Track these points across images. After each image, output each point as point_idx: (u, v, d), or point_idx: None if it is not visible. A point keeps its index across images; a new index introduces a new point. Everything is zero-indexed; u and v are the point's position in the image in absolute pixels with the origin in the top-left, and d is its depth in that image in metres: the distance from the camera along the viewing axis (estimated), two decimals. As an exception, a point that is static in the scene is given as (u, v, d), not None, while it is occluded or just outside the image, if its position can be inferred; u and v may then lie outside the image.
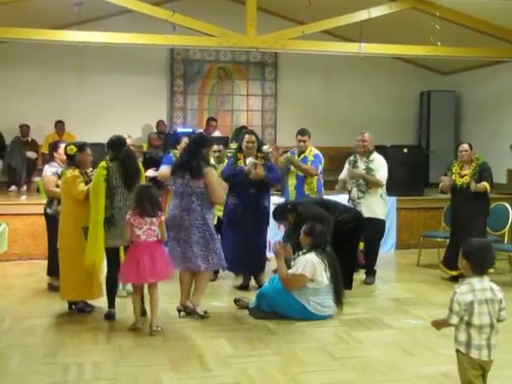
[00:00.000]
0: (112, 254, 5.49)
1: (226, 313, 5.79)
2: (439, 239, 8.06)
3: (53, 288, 6.45)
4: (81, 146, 5.72)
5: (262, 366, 4.38)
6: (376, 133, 11.72)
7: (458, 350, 3.39)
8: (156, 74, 12.00)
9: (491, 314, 3.31)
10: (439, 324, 3.50)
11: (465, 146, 7.11)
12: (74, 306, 5.75)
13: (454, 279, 7.10)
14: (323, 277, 5.47)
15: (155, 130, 11.37)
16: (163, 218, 5.24)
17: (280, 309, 5.53)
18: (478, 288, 3.32)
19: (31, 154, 10.76)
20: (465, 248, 3.47)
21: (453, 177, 7.11)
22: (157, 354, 4.61)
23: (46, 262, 6.66)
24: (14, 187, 10.37)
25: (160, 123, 11.45)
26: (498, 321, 3.36)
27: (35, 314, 5.68)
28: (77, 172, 5.58)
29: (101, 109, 11.40)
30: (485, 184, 6.88)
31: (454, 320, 3.31)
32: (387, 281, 7.27)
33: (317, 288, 5.48)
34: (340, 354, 4.64)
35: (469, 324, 3.30)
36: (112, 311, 5.53)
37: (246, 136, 6.65)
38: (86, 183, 5.56)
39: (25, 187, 10.35)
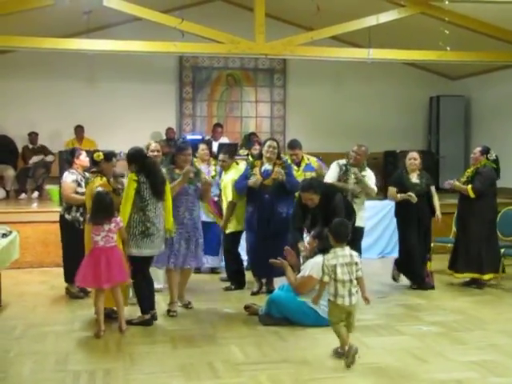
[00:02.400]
0: (145, 262, 5.51)
1: (236, 319, 5.78)
2: (450, 245, 8.01)
3: (70, 294, 6.49)
4: (108, 156, 5.78)
5: (272, 373, 4.36)
6: (385, 138, 11.84)
7: (329, 299, 4.62)
8: (165, 81, 12.05)
9: (350, 272, 4.55)
10: (320, 285, 4.70)
11: (475, 149, 7.15)
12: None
13: (468, 284, 7.05)
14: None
15: (164, 138, 11.41)
16: (121, 224, 5.26)
17: (291, 314, 5.51)
18: (340, 254, 4.59)
19: (49, 158, 10.82)
20: (330, 226, 4.74)
21: (461, 178, 7.11)
22: (167, 362, 4.60)
23: (57, 270, 6.67)
24: (23, 195, 10.43)
25: (169, 130, 11.48)
26: (356, 278, 4.57)
27: (46, 322, 5.69)
28: (105, 181, 5.64)
29: (110, 116, 11.46)
30: (465, 187, 6.89)
31: (327, 278, 4.57)
32: (398, 287, 7.22)
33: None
34: (351, 361, 4.61)
35: (335, 280, 4.53)
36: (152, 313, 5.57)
37: (268, 141, 6.74)
38: (113, 191, 5.58)
39: (36, 193, 10.42)
